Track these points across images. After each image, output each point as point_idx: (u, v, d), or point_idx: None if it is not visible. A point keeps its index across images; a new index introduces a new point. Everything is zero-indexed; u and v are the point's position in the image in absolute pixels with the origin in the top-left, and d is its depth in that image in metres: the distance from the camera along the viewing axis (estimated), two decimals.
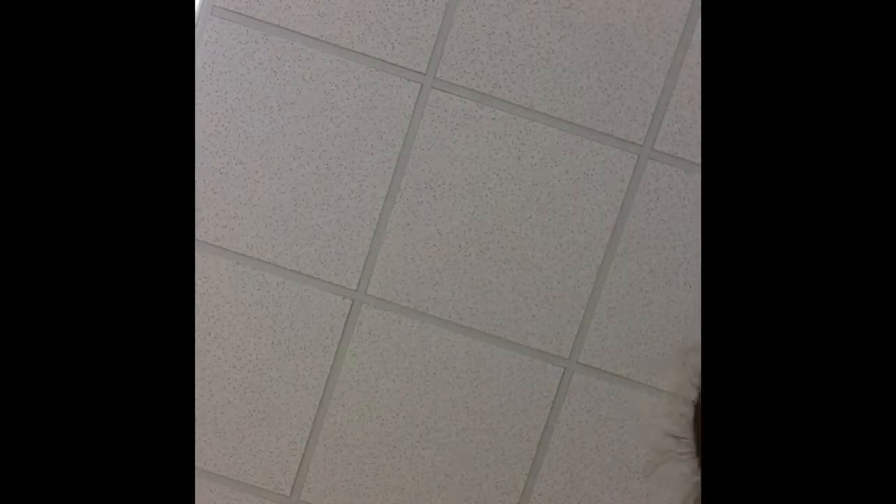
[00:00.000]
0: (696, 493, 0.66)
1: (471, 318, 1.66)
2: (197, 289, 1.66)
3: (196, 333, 1.68)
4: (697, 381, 0.67)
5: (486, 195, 1.64)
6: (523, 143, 1.64)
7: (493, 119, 1.63)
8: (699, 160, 1.68)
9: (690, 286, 1.64)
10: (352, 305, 1.66)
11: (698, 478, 0.67)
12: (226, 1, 1.63)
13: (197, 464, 1.70)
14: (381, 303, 1.66)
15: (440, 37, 1.63)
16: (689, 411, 0.67)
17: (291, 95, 1.63)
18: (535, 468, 1.68)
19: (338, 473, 1.68)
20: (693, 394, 0.67)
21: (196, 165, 1.66)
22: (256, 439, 1.68)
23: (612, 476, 1.68)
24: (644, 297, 1.65)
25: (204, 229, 1.65)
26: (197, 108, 1.65)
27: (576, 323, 1.66)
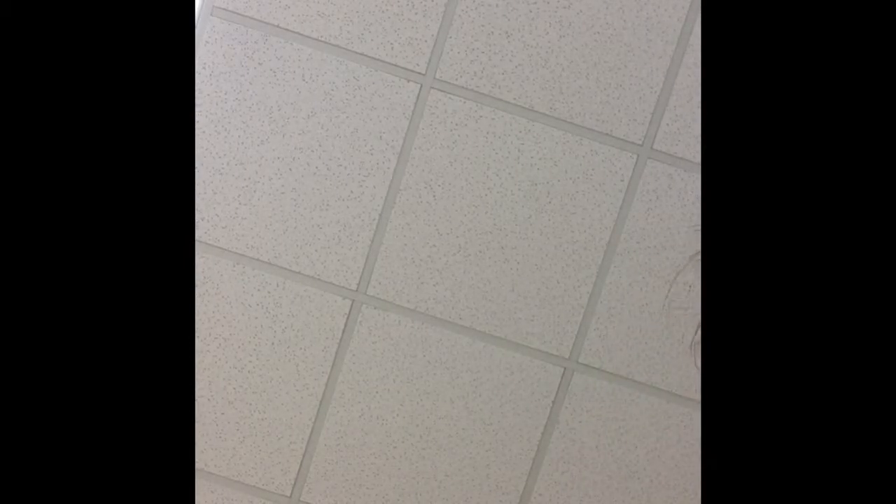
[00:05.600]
0: None
1: (471, 318, 1.66)
2: (196, 289, 1.66)
3: (196, 334, 1.68)
4: None
5: (486, 195, 1.64)
6: (523, 143, 1.64)
7: (493, 119, 1.63)
8: (699, 159, 1.68)
9: (690, 286, 1.64)
10: (352, 306, 1.66)
11: None
12: (225, 1, 1.63)
13: (196, 464, 1.70)
14: (380, 303, 1.66)
15: (440, 37, 1.63)
16: None
17: (291, 96, 1.63)
18: (535, 468, 1.68)
19: (338, 473, 1.68)
20: None
21: (195, 166, 1.66)
22: (256, 440, 1.68)
23: (612, 476, 1.68)
24: (644, 297, 1.65)
25: (203, 230, 1.65)
26: (196, 108, 1.65)
27: (576, 323, 1.66)
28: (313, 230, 1.65)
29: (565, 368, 1.66)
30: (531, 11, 1.62)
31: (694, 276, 1.64)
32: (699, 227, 1.64)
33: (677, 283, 1.64)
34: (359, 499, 1.69)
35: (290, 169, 1.64)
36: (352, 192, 1.64)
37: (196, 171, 1.65)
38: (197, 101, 1.64)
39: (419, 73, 1.63)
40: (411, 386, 1.67)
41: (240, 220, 1.65)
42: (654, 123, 1.63)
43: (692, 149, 1.63)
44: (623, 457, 1.67)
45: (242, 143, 1.64)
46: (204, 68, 1.63)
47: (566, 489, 1.68)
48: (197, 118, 1.64)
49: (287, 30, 1.63)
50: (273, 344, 1.66)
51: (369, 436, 1.68)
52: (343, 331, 1.66)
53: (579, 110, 1.63)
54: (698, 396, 1.70)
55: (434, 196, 1.65)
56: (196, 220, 1.66)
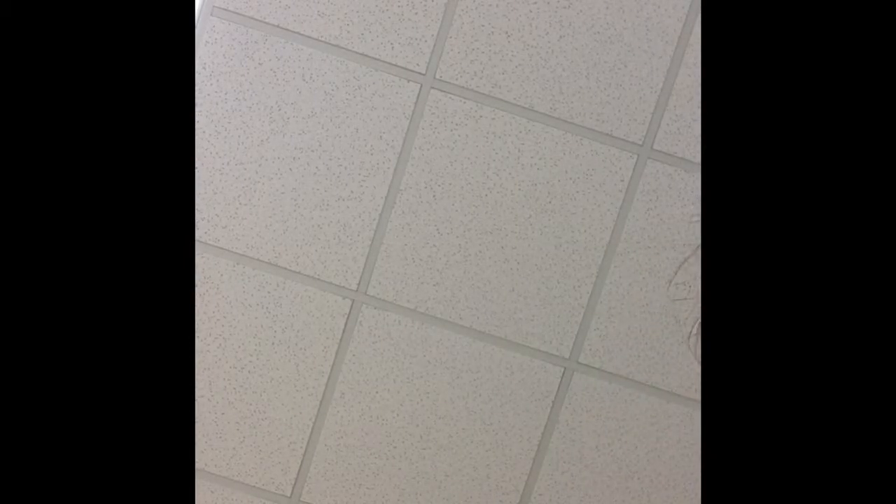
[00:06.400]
0: None
1: (471, 318, 1.66)
2: (197, 289, 1.66)
3: (196, 334, 1.68)
4: None
5: (486, 195, 1.64)
6: (523, 143, 1.64)
7: (493, 119, 1.63)
8: (699, 159, 1.68)
9: (690, 286, 1.64)
10: (352, 306, 1.66)
11: None
12: (225, 1, 1.63)
13: (197, 464, 1.70)
14: (381, 303, 1.66)
15: (440, 37, 1.63)
16: None
17: (291, 96, 1.63)
18: (535, 468, 1.68)
19: (338, 473, 1.68)
20: None
21: (196, 166, 1.66)
22: (257, 440, 1.68)
23: (612, 476, 1.68)
24: (644, 297, 1.65)
25: (204, 230, 1.65)
26: (196, 108, 1.65)
27: (576, 323, 1.66)
28: (313, 230, 1.65)
29: (565, 368, 1.66)
30: (531, 11, 1.62)
31: (694, 276, 1.64)
32: (699, 227, 1.64)
33: (677, 282, 1.64)
34: (359, 499, 1.69)
35: (290, 169, 1.64)
36: (352, 192, 1.64)
37: (196, 171, 1.65)
38: (197, 101, 1.64)
39: (419, 73, 1.63)
40: (411, 386, 1.67)
41: (240, 220, 1.65)
42: (654, 123, 1.63)
43: (692, 149, 1.63)
44: (623, 457, 1.67)
45: (242, 143, 1.64)
46: (204, 68, 1.63)
47: (566, 489, 1.68)
48: (197, 118, 1.64)
49: (287, 30, 1.63)
50: (273, 344, 1.66)
51: (369, 436, 1.68)
52: (343, 331, 1.66)
53: (579, 110, 1.63)
54: (698, 396, 1.70)
55: (434, 196, 1.65)
56: (196, 220, 1.66)
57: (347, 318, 1.66)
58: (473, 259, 1.65)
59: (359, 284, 1.66)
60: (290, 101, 1.63)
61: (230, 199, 1.65)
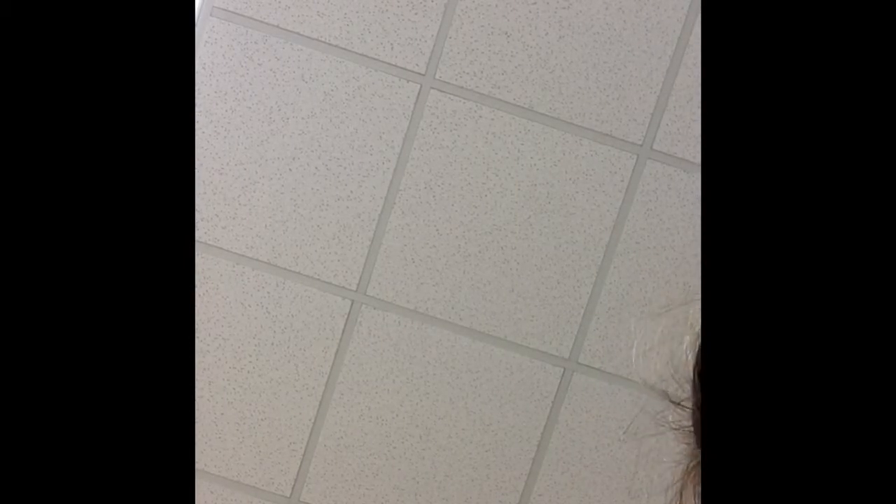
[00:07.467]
0: (690, 474, 0.66)
1: (470, 319, 1.66)
2: (197, 289, 1.66)
3: (196, 334, 1.68)
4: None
5: (486, 195, 1.64)
6: (522, 144, 1.64)
7: (493, 119, 1.63)
8: (698, 160, 1.68)
9: (690, 286, 1.64)
10: (351, 306, 1.66)
11: (696, 460, 0.66)
12: (225, 1, 1.63)
13: (196, 465, 1.70)
14: (380, 303, 1.66)
15: (439, 37, 1.63)
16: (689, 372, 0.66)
17: (291, 96, 1.63)
18: (535, 468, 1.68)
19: (338, 474, 1.68)
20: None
21: (195, 166, 1.66)
22: (256, 440, 1.68)
23: (612, 476, 1.68)
24: (644, 297, 1.65)
25: (203, 230, 1.65)
26: (196, 108, 1.65)
27: (575, 323, 1.66)
28: (313, 230, 1.65)
29: (565, 368, 1.66)
30: (531, 12, 1.62)
31: (693, 277, 1.64)
32: (699, 228, 1.64)
33: (677, 283, 1.64)
34: (358, 499, 1.69)
35: (290, 169, 1.64)
36: (352, 192, 1.65)
37: (196, 171, 1.66)
38: (197, 101, 1.64)
39: (419, 74, 1.63)
40: (411, 386, 1.67)
41: (239, 221, 1.65)
42: (653, 123, 1.63)
43: (692, 149, 1.63)
44: (623, 457, 1.67)
45: (242, 143, 1.64)
46: (204, 68, 1.63)
47: (566, 489, 1.68)
48: (197, 118, 1.64)
49: (287, 30, 1.63)
50: (273, 344, 1.66)
51: (369, 436, 1.68)
52: (343, 331, 1.66)
53: (579, 110, 1.63)
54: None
55: (434, 196, 1.65)
56: (196, 220, 1.66)
57: (347, 318, 1.66)
58: (473, 259, 1.65)
59: (358, 285, 1.66)
60: (289, 102, 1.63)
61: (230, 199, 1.65)
